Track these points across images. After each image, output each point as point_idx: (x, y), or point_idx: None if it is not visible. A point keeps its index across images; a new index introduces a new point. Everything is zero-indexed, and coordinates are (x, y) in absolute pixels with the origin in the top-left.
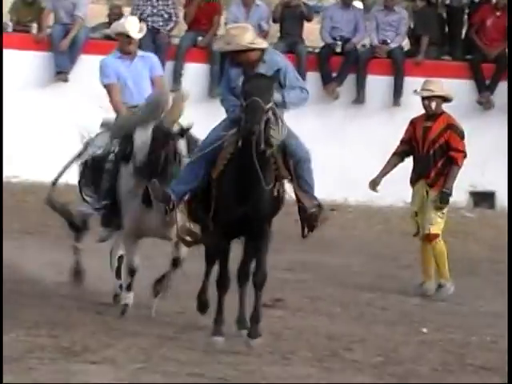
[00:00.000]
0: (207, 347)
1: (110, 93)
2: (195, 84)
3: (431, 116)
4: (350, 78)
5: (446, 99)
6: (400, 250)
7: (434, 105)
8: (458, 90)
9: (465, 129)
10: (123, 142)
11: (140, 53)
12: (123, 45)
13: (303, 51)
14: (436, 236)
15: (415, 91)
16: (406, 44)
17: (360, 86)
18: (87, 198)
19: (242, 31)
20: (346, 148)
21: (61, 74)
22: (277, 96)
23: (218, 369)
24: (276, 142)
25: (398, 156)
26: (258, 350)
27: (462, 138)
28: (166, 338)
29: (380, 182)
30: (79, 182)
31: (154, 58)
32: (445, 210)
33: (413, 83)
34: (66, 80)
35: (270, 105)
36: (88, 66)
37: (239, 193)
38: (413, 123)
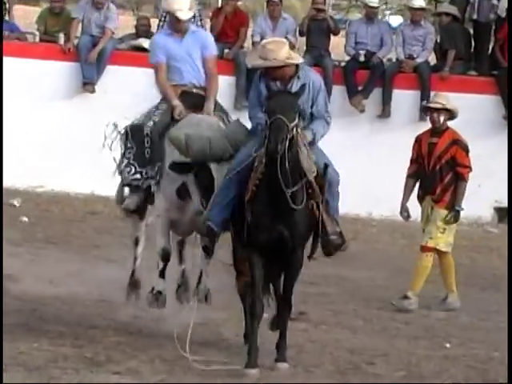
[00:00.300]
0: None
1: (156, 72)
2: (222, 96)
3: (436, 132)
4: (376, 92)
5: (452, 115)
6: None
7: (442, 118)
8: (483, 105)
9: (490, 144)
10: (165, 114)
11: (192, 28)
12: (172, 23)
13: (329, 64)
14: (429, 249)
15: (424, 103)
16: (432, 59)
17: (386, 100)
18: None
19: (278, 46)
20: (370, 162)
21: (88, 84)
22: (308, 134)
23: (240, 381)
24: (304, 161)
25: (413, 177)
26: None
27: (468, 152)
28: (190, 350)
29: (407, 207)
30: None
31: (206, 35)
32: (447, 226)
33: None
34: (92, 91)
35: (294, 123)
36: (114, 76)
37: (270, 214)
38: (418, 140)
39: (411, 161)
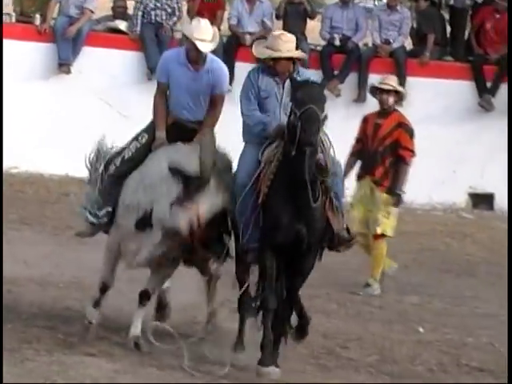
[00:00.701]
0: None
1: (156, 91)
2: None
3: (383, 113)
4: (352, 77)
5: (400, 98)
6: (397, 249)
7: (391, 100)
8: (460, 91)
9: (466, 130)
10: (139, 151)
11: (208, 64)
12: (190, 50)
13: (306, 48)
14: (381, 236)
15: (372, 84)
16: (408, 44)
17: (362, 84)
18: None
19: (289, 39)
20: (346, 146)
21: (63, 65)
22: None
23: (208, 361)
24: (327, 155)
25: (355, 156)
26: (255, 347)
27: (412, 136)
28: (163, 332)
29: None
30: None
31: (221, 73)
32: (392, 211)
33: (414, 83)
34: (68, 72)
35: (324, 113)
36: (90, 58)
37: (287, 212)
38: (365, 119)
39: (356, 140)
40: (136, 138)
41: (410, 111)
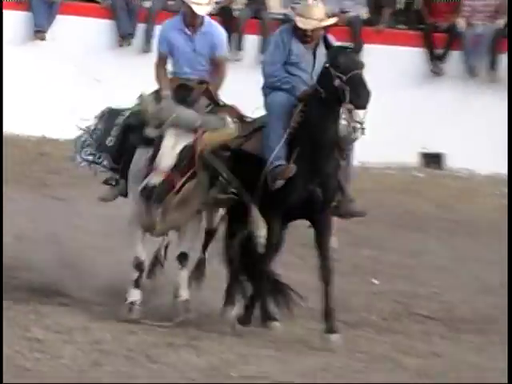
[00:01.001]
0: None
1: (157, 61)
2: None
3: None
4: None
5: None
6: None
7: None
8: (412, 57)
9: (418, 94)
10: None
11: (206, 24)
12: (186, 15)
13: (267, 17)
14: None
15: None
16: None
17: None
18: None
19: (321, 6)
20: None
21: (39, 32)
22: None
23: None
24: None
25: None
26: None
27: None
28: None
29: None
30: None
31: (219, 34)
32: None
33: (370, 50)
34: (43, 39)
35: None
36: (65, 26)
37: (309, 171)
38: None
39: None
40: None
41: (367, 77)
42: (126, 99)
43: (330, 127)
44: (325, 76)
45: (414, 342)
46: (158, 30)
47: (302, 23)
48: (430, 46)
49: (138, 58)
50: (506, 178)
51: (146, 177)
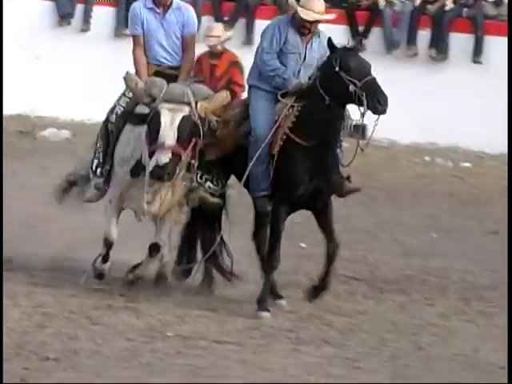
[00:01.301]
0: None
1: (133, 45)
2: (103, 25)
3: (215, 54)
4: (242, 23)
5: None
6: None
7: (219, 46)
8: (335, 34)
9: None
10: (129, 103)
11: (175, 4)
12: None
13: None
14: None
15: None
16: None
17: (249, 29)
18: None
19: (322, 3)
20: None
21: None
22: None
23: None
24: None
25: None
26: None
27: (243, 73)
28: None
29: None
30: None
31: (188, 12)
32: None
33: None
34: None
35: None
36: (9, 5)
37: (311, 168)
38: (198, 60)
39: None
40: (124, 94)
41: None
42: (64, 76)
43: (333, 127)
44: (335, 80)
45: (340, 301)
46: (96, 10)
47: (303, 14)
48: (353, 23)
49: (76, 36)
50: (425, 147)
51: (143, 157)
